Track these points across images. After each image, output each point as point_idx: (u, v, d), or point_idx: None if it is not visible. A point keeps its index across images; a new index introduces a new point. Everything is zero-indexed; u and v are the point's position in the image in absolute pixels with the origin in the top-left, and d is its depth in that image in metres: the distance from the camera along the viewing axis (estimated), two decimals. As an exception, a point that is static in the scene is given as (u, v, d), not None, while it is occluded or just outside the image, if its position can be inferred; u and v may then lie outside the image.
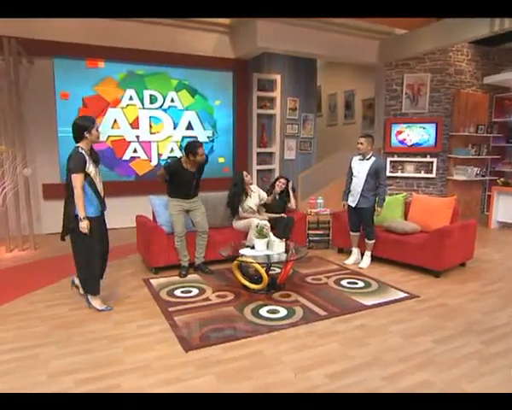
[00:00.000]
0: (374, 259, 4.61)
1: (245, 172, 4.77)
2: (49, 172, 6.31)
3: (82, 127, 3.13)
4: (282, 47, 6.70)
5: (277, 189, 5.06)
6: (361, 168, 4.38)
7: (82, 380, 2.29)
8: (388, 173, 7.55)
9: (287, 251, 3.79)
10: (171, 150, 7.21)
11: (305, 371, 2.40)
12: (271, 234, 3.91)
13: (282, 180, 5.08)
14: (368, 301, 3.46)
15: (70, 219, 3.13)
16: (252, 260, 3.56)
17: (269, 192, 5.09)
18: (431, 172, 7.27)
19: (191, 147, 4.02)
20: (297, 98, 8.32)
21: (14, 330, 2.94)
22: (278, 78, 8.01)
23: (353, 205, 4.49)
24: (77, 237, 3.14)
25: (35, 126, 6.14)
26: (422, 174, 7.35)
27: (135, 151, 6.91)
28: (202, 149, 4.07)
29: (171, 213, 4.16)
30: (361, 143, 4.36)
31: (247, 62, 7.47)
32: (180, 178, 4.11)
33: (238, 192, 4.69)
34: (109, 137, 6.68)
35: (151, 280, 4.06)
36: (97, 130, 3.22)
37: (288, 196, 5.16)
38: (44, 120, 6.22)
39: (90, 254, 3.21)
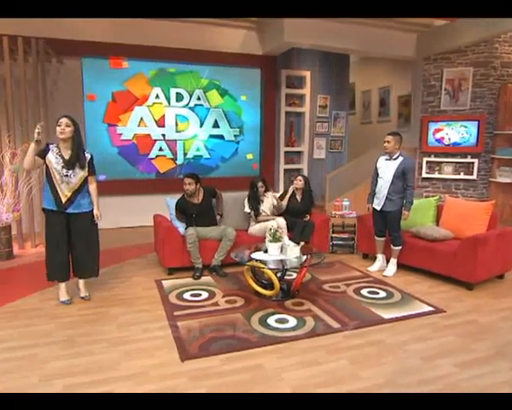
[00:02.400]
0: (400, 267, 4.29)
1: (260, 183, 4.64)
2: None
3: None
4: (310, 42, 6.46)
5: (296, 186, 4.83)
6: (387, 169, 4.09)
7: (73, 385, 2.22)
8: (424, 174, 7.13)
9: (302, 256, 3.58)
10: (197, 149, 7.15)
11: (307, 392, 2.19)
12: (286, 237, 3.71)
13: (300, 177, 4.85)
14: (387, 314, 3.18)
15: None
16: (261, 266, 3.37)
17: (282, 196, 4.88)
18: (471, 174, 6.73)
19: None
20: (328, 95, 8.03)
21: (21, 328, 2.95)
22: (308, 74, 7.76)
23: (378, 208, 4.20)
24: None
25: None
26: (462, 176, 6.82)
27: (160, 149, 6.91)
28: (186, 179, 4.30)
29: (188, 244, 4.12)
30: (388, 142, 4.07)
31: (276, 59, 7.29)
32: (186, 210, 4.36)
33: (254, 196, 4.65)
34: (135, 135, 6.71)
35: (163, 281, 3.99)
36: (58, 125, 3.19)
37: (311, 197, 4.95)
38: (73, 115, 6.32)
39: (47, 242, 3.39)
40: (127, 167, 6.70)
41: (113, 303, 3.44)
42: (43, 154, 3.24)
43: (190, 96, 6.92)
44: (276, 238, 3.49)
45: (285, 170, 7.88)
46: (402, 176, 4.00)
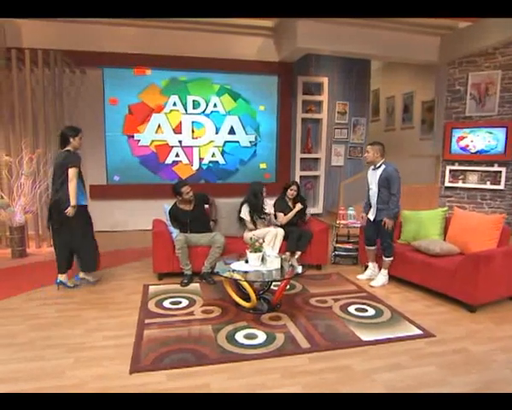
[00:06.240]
0: (401, 282, 4.03)
1: (265, 188, 4.56)
2: (97, 174, 6.61)
3: (67, 134, 3.78)
4: (325, 47, 6.28)
5: (289, 196, 4.67)
6: (373, 179, 4.04)
7: (11, 392, 2.19)
8: (447, 183, 6.71)
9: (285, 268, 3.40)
10: (213, 155, 7.14)
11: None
12: (269, 248, 3.54)
13: (294, 187, 4.68)
14: (367, 336, 2.91)
15: (63, 207, 3.63)
16: (238, 277, 3.22)
17: (276, 206, 4.68)
18: (498, 184, 6.21)
19: (175, 188, 4.30)
20: (347, 102, 7.75)
21: (-8, 328, 3.00)
22: (325, 80, 7.54)
23: (372, 218, 4.09)
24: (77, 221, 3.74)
25: (85, 131, 6.37)
26: (488, 185, 6.32)
27: (177, 155, 6.97)
28: (187, 187, 4.27)
29: (176, 249, 4.09)
30: (367, 152, 4.03)
31: (292, 65, 7.13)
32: (179, 218, 4.32)
33: (258, 203, 4.49)
34: (153, 141, 6.82)
35: (151, 286, 3.95)
36: (80, 138, 3.83)
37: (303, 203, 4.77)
38: (94, 125, 6.52)
39: (92, 235, 3.95)
40: (148, 175, 6.81)
41: (91, 306, 3.45)
42: (80, 163, 3.76)
43: (207, 104, 6.92)
44: (255, 249, 3.34)
45: (301, 177, 7.70)
46: (386, 184, 3.89)
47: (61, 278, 3.84)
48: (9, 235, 5.12)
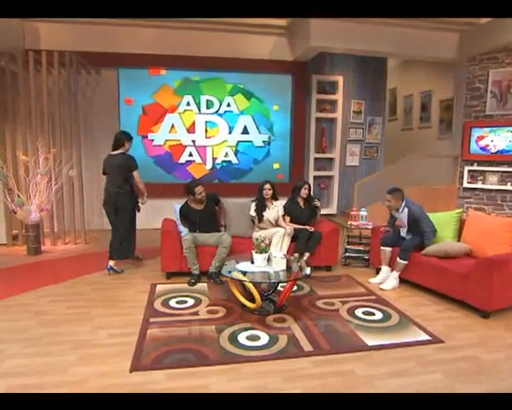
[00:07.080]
0: (413, 286, 3.93)
1: (267, 185, 4.47)
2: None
3: (123, 138, 4.28)
4: (339, 45, 6.18)
5: (303, 196, 4.57)
6: (401, 219, 4.10)
7: (15, 386, 2.24)
8: (466, 184, 6.51)
9: (289, 268, 3.36)
10: (226, 155, 7.14)
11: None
12: (275, 249, 3.50)
13: (307, 186, 4.58)
14: (372, 341, 2.84)
15: (131, 199, 4.31)
16: (243, 278, 3.20)
17: (286, 207, 4.59)
18: (520, 185, 5.99)
19: (188, 187, 4.31)
20: (362, 101, 7.63)
21: (3, 322, 3.07)
22: (340, 79, 7.44)
23: (405, 237, 4.11)
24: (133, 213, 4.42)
25: (101, 131, 6.53)
26: (509, 186, 6.10)
27: (190, 155, 7.00)
28: (200, 187, 4.26)
29: (184, 249, 4.09)
30: (388, 201, 4.06)
31: (306, 64, 7.06)
32: (189, 216, 4.34)
33: (259, 199, 4.48)
34: (167, 141, 6.87)
35: (158, 285, 3.97)
36: (131, 143, 4.38)
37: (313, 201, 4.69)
38: (109, 125, 6.60)
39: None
40: (163, 175, 6.87)
41: (99, 304, 3.49)
42: None
43: (220, 103, 6.92)
44: (261, 249, 3.31)
45: (315, 177, 7.63)
46: (416, 223, 3.93)
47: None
48: (25, 232, 5.24)
